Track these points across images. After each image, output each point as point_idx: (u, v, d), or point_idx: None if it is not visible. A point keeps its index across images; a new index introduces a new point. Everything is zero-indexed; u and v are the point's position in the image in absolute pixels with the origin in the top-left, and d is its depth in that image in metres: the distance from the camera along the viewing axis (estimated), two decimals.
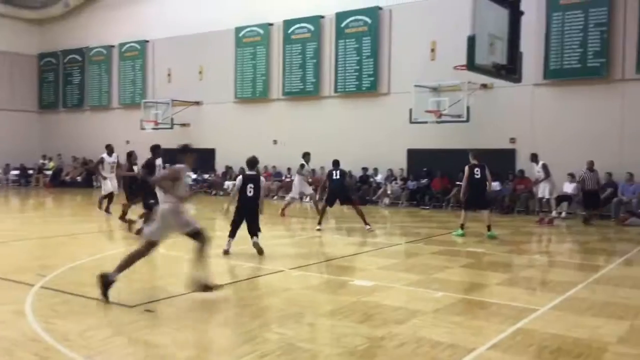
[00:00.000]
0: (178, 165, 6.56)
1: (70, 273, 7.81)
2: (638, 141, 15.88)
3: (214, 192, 23.34)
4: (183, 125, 24.69)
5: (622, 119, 16.25)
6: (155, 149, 11.48)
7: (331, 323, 5.69)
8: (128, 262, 6.39)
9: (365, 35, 20.54)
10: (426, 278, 7.78)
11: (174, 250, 9.97)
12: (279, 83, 22.69)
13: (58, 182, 27.33)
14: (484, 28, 9.67)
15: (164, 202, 6.57)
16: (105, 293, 6.11)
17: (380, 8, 20.25)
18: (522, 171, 17.45)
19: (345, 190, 13.12)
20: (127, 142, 26.86)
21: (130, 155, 13.62)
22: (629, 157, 16.04)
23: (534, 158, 15.19)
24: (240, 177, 9.41)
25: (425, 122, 18.39)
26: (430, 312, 6.09)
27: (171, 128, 24.08)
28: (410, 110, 18.54)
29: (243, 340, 5.11)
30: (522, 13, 10.49)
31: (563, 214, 16.34)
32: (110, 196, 14.51)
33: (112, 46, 27.82)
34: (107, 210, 14.42)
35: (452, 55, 16.96)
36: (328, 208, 12.95)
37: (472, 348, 4.92)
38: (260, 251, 9.07)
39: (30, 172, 28.37)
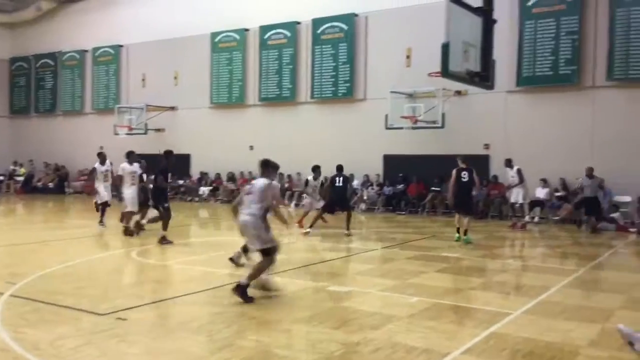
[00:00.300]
0: (274, 183, 7.04)
1: (41, 281, 7.65)
2: (608, 147, 16.19)
3: (189, 197, 23.16)
4: (157, 130, 24.48)
5: (593, 125, 16.56)
6: (169, 155, 11.58)
7: (307, 329, 5.68)
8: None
9: (341, 41, 20.62)
10: (401, 283, 7.81)
11: (148, 258, 9.88)
12: (255, 89, 22.65)
13: (30, 189, 26.84)
14: (458, 36, 9.75)
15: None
16: (247, 299, 6.50)
17: (356, 15, 20.36)
18: (495, 176, 17.67)
19: (346, 198, 12.98)
20: (101, 147, 26.64)
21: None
22: (599, 163, 16.31)
23: (508, 163, 15.37)
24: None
25: (401, 128, 18.51)
26: (405, 317, 6.11)
27: (145, 133, 23.85)
28: (386, 116, 18.64)
29: (218, 347, 5.06)
30: (495, 21, 10.60)
31: (536, 219, 16.57)
32: (104, 205, 13.75)
33: (86, 51, 27.46)
34: (101, 221, 13.61)
35: (427, 62, 17.09)
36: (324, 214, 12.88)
37: (447, 353, 4.95)
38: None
39: (1, 178, 27.79)
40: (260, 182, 6.87)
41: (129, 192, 12.73)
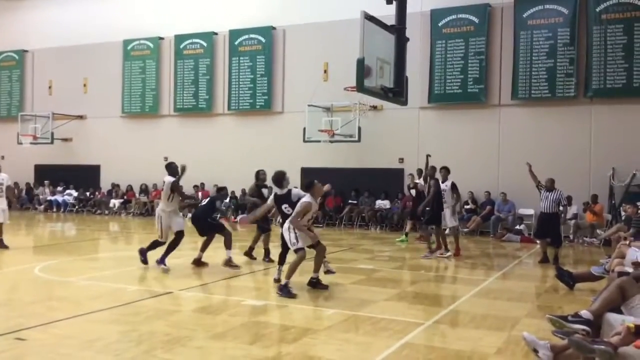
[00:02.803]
0: (307, 201, 7.87)
1: None
2: (511, 163, 17.00)
3: (98, 211, 22.20)
4: (65, 140, 23.41)
5: (499, 142, 17.41)
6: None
7: (221, 345, 5.53)
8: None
9: (259, 53, 20.58)
10: (318, 295, 7.80)
11: (52, 274, 9.33)
12: (170, 99, 22.13)
13: None
14: (373, 52, 9.97)
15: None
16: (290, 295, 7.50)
17: (274, 28, 20.41)
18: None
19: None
20: (2, 157, 25.10)
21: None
22: (504, 177, 17.18)
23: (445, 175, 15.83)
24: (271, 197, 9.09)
25: (319, 142, 18.66)
26: (321, 329, 6.09)
27: (52, 143, 22.72)
28: (304, 130, 18.74)
29: None
30: (407, 39, 10.94)
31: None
32: None
33: None
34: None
35: (343, 76, 17.38)
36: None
37: None
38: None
39: None
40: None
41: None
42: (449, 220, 12.40)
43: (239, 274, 9.55)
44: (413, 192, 14.85)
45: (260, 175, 11.37)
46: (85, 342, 5.53)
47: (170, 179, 9.73)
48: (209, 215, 10.27)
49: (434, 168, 12.48)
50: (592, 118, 16.47)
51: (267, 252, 10.77)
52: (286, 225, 7.99)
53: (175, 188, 9.65)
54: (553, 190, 11.45)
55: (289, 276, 7.71)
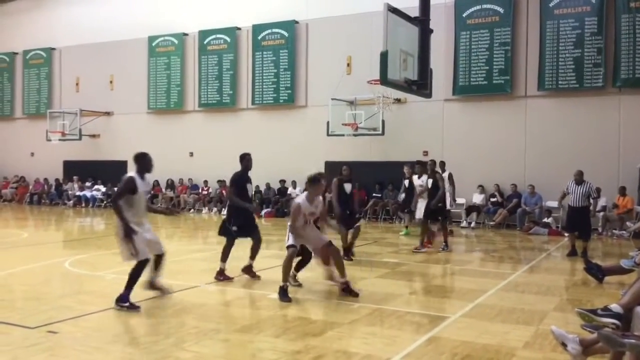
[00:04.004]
0: (296, 202, 7.42)
1: None
2: (539, 155, 16.84)
3: None
4: (92, 136, 23.78)
5: (525, 133, 17.19)
6: (243, 157, 8.88)
7: (247, 338, 5.58)
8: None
9: (282, 48, 20.61)
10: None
11: (81, 268, 9.51)
12: (194, 94, 22.31)
13: None
14: (396, 44, 9.89)
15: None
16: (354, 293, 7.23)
17: (296, 22, 20.40)
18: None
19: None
20: (32, 154, 25.62)
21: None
22: (531, 169, 16.97)
23: (443, 167, 15.72)
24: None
25: (342, 135, 18.65)
26: (346, 323, 6.11)
27: (79, 139, 23.10)
28: (328, 123, 18.75)
29: (154, 359, 4.90)
30: (431, 31, 10.82)
31: (472, 224, 17.03)
32: None
33: (16, 53, 26.35)
34: None
35: (367, 69, 17.37)
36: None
37: (387, 358, 4.97)
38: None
39: None
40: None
41: None
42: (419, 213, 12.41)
43: (263, 268, 9.61)
44: (407, 182, 14.79)
45: (343, 172, 10.89)
46: (115, 335, 5.63)
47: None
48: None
49: (434, 162, 12.39)
50: (621, 108, 16.16)
51: (347, 250, 10.16)
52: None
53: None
54: (582, 183, 11.23)
55: (284, 278, 7.18)
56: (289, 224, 7.50)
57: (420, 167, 12.63)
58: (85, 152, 24.13)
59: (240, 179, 8.50)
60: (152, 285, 7.01)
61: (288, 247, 7.30)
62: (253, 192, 13.14)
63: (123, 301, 6.47)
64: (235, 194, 8.40)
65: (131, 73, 23.28)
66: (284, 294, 7.09)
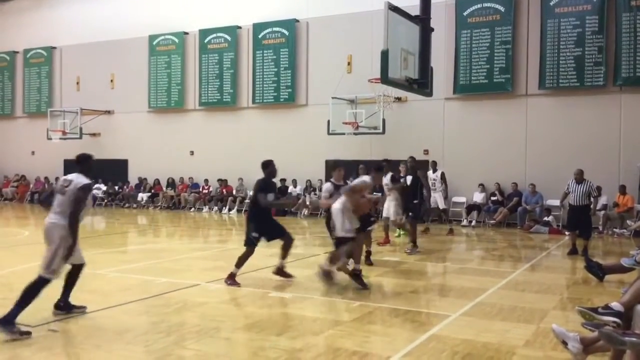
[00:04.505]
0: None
1: None
2: (539, 154, 16.83)
3: (126, 204, 22.55)
4: (93, 135, 23.78)
5: (526, 132, 17.18)
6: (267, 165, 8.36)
7: (248, 336, 5.59)
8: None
9: (283, 46, 20.60)
10: (344, 288, 7.81)
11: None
12: (195, 93, 22.31)
13: None
14: (397, 43, 9.88)
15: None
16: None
17: (297, 21, 20.39)
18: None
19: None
20: (32, 152, 25.63)
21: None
22: (532, 168, 16.96)
23: (434, 166, 15.79)
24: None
25: (343, 134, 18.65)
26: (347, 321, 6.12)
27: (80, 138, 23.09)
28: (328, 122, 18.74)
29: (155, 358, 4.91)
30: (432, 30, 10.82)
31: (473, 223, 17.03)
32: None
33: (16, 52, 26.35)
34: None
35: (367, 68, 17.37)
36: None
37: (388, 356, 4.97)
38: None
39: None
40: None
41: None
42: (393, 212, 12.24)
43: (264, 267, 9.62)
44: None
45: (360, 170, 10.94)
46: (116, 334, 5.64)
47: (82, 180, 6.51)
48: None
49: (413, 159, 12.29)
50: (622, 107, 16.14)
51: (367, 254, 9.69)
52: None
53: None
54: (582, 182, 11.23)
55: (357, 260, 8.02)
56: (339, 207, 7.64)
57: (387, 165, 11.93)
58: (86, 151, 23.79)
59: (268, 186, 8.18)
60: (61, 305, 6.35)
61: (348, 238, 7.60)
62: None
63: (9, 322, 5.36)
64: (264, 199, 8.03)
65: (132, 72, 23.27)
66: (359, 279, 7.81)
